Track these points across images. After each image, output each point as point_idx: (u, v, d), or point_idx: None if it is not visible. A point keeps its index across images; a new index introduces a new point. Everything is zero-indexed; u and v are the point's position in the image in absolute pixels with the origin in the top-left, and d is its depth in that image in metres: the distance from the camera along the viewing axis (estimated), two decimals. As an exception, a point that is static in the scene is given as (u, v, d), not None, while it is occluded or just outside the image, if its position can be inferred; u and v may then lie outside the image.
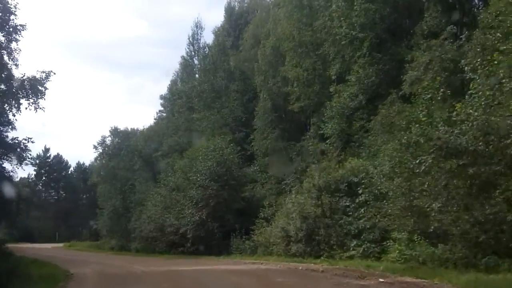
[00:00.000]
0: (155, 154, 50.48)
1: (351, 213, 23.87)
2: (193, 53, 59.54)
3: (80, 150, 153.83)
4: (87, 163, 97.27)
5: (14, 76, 25.00)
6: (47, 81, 25.31)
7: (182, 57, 58.50)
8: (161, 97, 68.41)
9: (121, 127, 61.31)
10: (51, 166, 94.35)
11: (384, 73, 27.67)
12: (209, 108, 47.56)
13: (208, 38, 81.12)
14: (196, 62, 59.72)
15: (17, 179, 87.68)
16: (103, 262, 32.63)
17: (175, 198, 38.13)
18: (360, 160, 25.63)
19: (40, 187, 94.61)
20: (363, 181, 23.33)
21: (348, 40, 29.23)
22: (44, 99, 25.38)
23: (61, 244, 65.59)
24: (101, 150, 65.54)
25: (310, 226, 25.02)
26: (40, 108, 25.32)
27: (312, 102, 35.70)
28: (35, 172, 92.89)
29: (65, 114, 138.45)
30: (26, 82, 24.86)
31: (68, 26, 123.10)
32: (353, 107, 29.10)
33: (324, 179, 25.23)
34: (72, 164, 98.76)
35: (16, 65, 24.90)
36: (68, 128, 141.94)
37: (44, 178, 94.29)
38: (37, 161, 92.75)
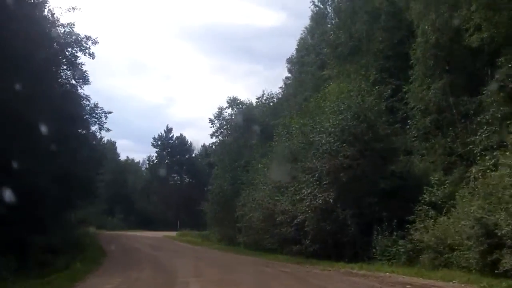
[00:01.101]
0: (273, 121, 38.92)
1: None
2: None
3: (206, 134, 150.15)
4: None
5: None
6: None
7: (312, 1, 45.86)
8: (288, 61, 56.42)
9: (242, 97, 51.22)
10: (173, 148, 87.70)
11: None
12: (344, 62, 34.78)
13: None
14: (329, 10, 46.92)
15: (136, 161, 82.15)
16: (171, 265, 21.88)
17: (290, 173, 26.10)
18: None
19: (162, 171, 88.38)
20: None
21: None
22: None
23: (173, 233, 57.27)
24: (218, 125, 56.47)
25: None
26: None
27: (499, 34, 21.69)
28: (156, 154, 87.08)
29: (201, 105, 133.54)
30: None
31: (210, 18, 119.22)
32: None
33: None
34: (195, 142, 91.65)
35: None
36: (198, 116, 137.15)
37: (166, 161, 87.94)
38: (159, 142, 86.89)
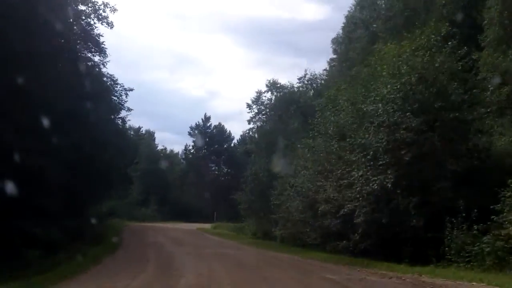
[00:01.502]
0: (315, 101, 34.30)
1: None
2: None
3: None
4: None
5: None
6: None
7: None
8: (333, 41, 51.28)
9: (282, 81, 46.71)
10: (211, 138, 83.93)
11: None
12: (399, 35, 29.79)
13: None
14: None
15: (175, 152, 78.58)
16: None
17: (335, 152, 21.51)
18: None
19: (200, 161, 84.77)
20: None
21: None
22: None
23: (208, 225, 53.51)
24: (256, 110, 52.11)
25: None
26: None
27: None
28: (192, 143, 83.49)
29: (243, 99, 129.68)
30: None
31: (253, 11, 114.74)
32: None
33: None
34: (236, 136, 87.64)
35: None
36: (240, 110, 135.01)
37: (204, 150, 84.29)
38: (196, 131, 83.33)
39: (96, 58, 28.98)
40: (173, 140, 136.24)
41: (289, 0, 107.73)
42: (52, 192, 17.53)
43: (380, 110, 17.92)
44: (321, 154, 22.43)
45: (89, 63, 28.38)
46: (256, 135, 51.25)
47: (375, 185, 17.53)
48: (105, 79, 30.73)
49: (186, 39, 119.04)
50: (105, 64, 29.37)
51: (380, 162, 17.74)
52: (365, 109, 18.85)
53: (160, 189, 72.76)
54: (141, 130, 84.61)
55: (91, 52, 28.29)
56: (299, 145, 27.25)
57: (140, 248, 25.14)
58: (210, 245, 27.17)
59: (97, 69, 29.55)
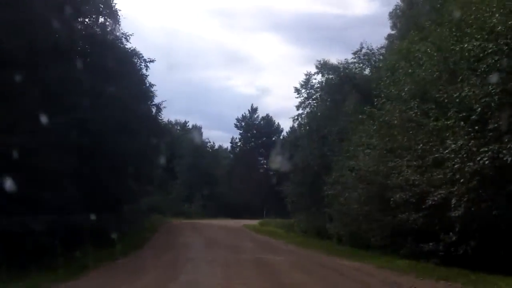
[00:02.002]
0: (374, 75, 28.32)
1: None
2: None
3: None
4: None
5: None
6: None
7: None
8: (391, 15, 44.53)
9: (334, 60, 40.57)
10: (259, 130, 78.62)
11: None
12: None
13: None
14: None
15: (221, 147, 73.31)
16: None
17: (415, 119, 15.50)
18: None
19: (247, 154, 79.63)
20: None
21: None
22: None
23: (255, 222, 48.38)
24: (305, 95, 46.24)
25: None
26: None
27: None
28: (239, 136, 78.40)
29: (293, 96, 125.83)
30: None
31: (302, 8, 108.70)
32: None
33: None
34: (285, 128, 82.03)
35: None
36: (291, 107, 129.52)
37: (251, 143, 79.12)
38: (243, 123, 78.24)
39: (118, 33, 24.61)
40: (224, 138, 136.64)
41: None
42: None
43: (490, 48, 11.87)
44: (395, 123, 16.40)
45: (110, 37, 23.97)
46: (305, 121, 45.42)
47: (484, 160, 11.54)
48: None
49: (235, 37, 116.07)
50: (128, 38, 25.24)
51: (491, 126, 11.74)
52: (463, 47, 12.72)
53: (206, 184, 67.90)
54: (187, 124, 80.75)
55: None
56: (361, 115, 21.23)
57: (161, 250, 20.19)
58: (250, 248, 21.60)
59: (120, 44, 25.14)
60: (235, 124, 77.87)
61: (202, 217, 58.04)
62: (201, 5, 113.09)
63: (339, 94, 36.77)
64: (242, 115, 77.67)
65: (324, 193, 24.52)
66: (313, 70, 39.92)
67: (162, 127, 41.19)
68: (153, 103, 31.45)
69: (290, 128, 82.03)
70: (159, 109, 33.10)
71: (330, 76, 41.34)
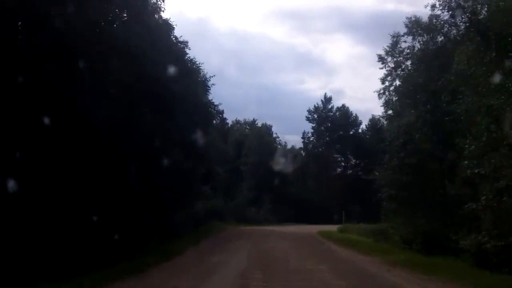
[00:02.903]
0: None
1: None
2: None
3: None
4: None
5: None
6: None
7: None
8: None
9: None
10: (333, 122, 69.04)
11: None
12: None
13: None
14: None
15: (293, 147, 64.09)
16: None
17: None
18: None
19: (321, 150, 70.09)
20: None
21: None
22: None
23: (334, 227, 39.52)
24: (392, 64, 36.27)
25: None
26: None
27: None
28: (312, 130, 69.09)
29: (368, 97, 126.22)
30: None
31: (373, 6, 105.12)
32: None
33: None
34: (364, 120, 71.99)
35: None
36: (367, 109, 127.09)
37: (326, 138, 69.69)
38: (315, 115, 68.95)
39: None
40: (298, 142, 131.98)
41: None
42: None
43: None
44: None
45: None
46: (395, 98, 35.53)
47: None
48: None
49: (307, 40, 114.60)
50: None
51: None
52: None
53: (275, 186, 59.10)
54: (256, 122, 72.77)
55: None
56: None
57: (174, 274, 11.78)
58: (327, 281, 12.56)
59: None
60: (306, 116, 69.03)
61: (270, 223, 49.82)
62: (272, 8, 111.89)
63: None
64: (315, 106, 68.75)
65: (445, 184, 15.05)
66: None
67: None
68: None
69: (370, 120, 72.16)
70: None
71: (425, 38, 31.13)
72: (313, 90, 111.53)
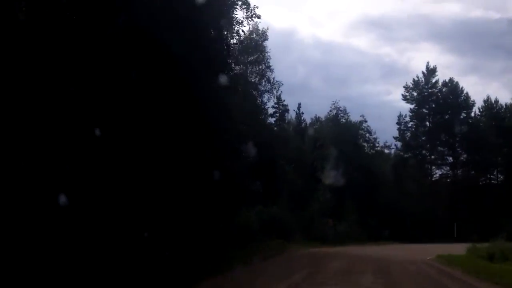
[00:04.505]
0: None
1: None
2: None
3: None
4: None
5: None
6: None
7: None
8: None
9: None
10: (438, 103, 52.04)
11: None
12: None
13: None
14: None
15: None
16: None
17: None
18: None
19: (422, 140, 53.11)
20: None
21: None
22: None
23: (458, 248, 24.61)
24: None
25: None
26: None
27: None
28: (410, 114, 52.37)
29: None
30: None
31: (460, 15, 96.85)
32: None
33: None
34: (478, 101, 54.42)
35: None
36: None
37: (428, 123, 52.81)
38: (414, 93, 52.25)
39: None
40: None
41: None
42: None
43: None
44: None
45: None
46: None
47: None
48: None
49: (392, 49, 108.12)
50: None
51: None
52: None
53: (362, 191, 42.96)
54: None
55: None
56: None
57: None
58: None
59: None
60: (402, 95, 52.28)
61: (354, 241, 34.31)
62: (357, 17, 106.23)
63: None
64: (414, 80, 51.76)
65: None
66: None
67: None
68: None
69: (484, 102, 54.47)
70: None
71: None
72: (400, 101, 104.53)
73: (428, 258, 21.88)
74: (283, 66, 74.48)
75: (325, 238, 33.67)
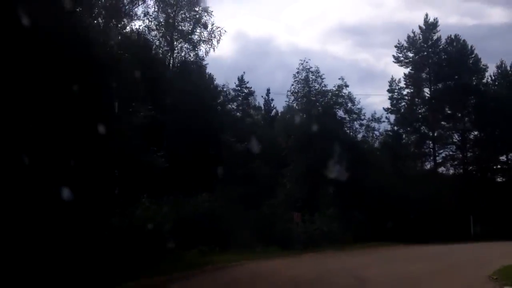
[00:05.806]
0: None
1: None
2: None
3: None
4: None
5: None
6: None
7: None
8: None
9: None
10: (440, 65, 40.68)
11: None
12: None
13: None
14: None
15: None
16: None
17: None
18: None
19: (423, 115, 41.47)
20: None
21: None
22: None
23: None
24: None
25: None
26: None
27: None
28: (405, 79, 40.75)
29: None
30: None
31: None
32: None
33: None
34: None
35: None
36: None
37: (431, 88, 41.44)
38: (410, 52, 40.77)
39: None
40: None
41: (474, 6, 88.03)
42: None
43: None
44: None
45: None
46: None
47: None
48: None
49: (369, 55, 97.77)
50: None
51: None
52: None
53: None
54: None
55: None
56: None
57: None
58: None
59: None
60: (394, 56, 40.86)
61: (333, 243, 23.48)
62: (334, 24, 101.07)
63: None
64: (409, 36, 40.21)
65: None
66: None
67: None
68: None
69: (497, 65, 43.42)
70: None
71: None
72: (377, 103, 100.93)
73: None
74: (261, 72, 72.98)
75: (288, 241, 21.88)
